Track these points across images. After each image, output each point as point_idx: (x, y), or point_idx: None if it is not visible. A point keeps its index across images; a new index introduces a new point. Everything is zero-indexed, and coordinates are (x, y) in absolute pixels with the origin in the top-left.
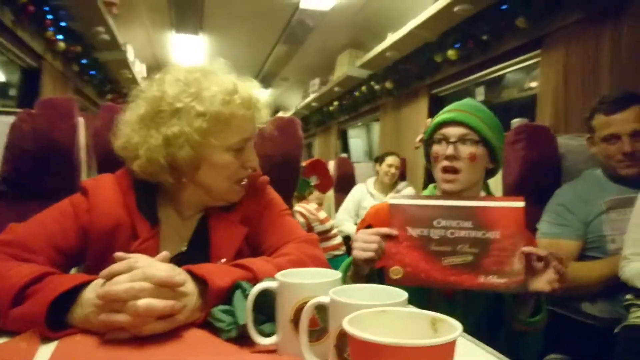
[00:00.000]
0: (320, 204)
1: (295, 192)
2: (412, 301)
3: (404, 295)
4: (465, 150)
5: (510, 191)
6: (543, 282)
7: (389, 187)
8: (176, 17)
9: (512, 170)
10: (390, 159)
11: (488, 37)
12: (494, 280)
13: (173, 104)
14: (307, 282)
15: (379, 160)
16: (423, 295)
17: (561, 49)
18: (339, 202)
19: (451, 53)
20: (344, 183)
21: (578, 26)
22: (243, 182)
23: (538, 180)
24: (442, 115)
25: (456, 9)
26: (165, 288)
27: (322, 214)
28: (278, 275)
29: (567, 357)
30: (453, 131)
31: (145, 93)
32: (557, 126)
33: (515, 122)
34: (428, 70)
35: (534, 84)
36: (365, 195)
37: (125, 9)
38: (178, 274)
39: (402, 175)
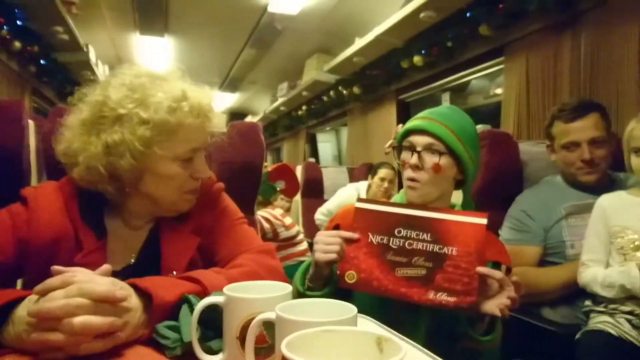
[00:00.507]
0: (287, 210)
1: (260, 198)
2: (376, 309)
3: (353, 311)
4: (430, 160)
5: (473, 197)
6: (494, 306)
7: (381, 199)
8: (140, 18)
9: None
10: (382, 172)
11: (453, 44)
12: (443, 297)
13: (116, 110)
14: (254, 297)
15: (372, 172)
16: (388, 305)
17: (523, 57)
18: (306, 208)
19: (417, 59)
20: (312, 188)
21: (538, 35)
22: (194, 192)
23: (501, 186)
24: (411, 122)
25: (422, 15)
26: (105, 304)
27: (288, 220)
28: (225, 289)
29: None
30: (420, 140)
31: (88, 97)
32: (520, 132)
33: (478, 128)
34: (395, 76)
35: (499, 91)
36: (355, 200)
37: (86, 9)
38: (120, 288)
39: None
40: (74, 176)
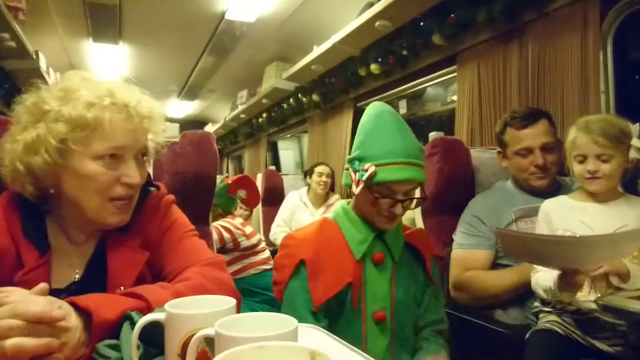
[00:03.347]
0: (247, 218)
1: (220, 210)
2: (340, 325)
3: (293, 324)
4: (409, 203)
5: (428, 203)
6: None
7: (322, 198)
8: (92, 25)
9: (429, 183)
10: (320, 168)
11: (408, 52)
12: None
13: (41, 108)
14: (194, 313)
15: (309, 172)
16: (352, 320)
17: (474, 65)
18: (267, 216)
19: (374, 67)
20: (273, 196)
21: (488, 44)
22: (123, 202)
23: (453, 192)
24: (390, 171)
25: (377, 24)
26: (41, 324)
27: (249, 229)
28: (167, 305)
29: None
30: (402, 188)
31: (26, 101)
32: (473, 139)
33: (432, 135)
34: (353, 84)
35: (455, 97)
36: (299, 205)
37: (34, 15)
38: (58, 307)
39: (332, 187)
40: (2, 177)
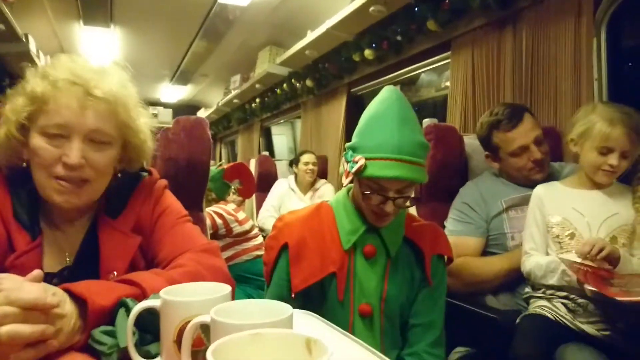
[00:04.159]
0: (240, 204)
1: (214, 195)
2: (325, 317)
3: (288, 311)
4: (402, 202)
5: (421, 190)
6: None
7: (310, 183)
8: (83, 7)
9: None
10: (306, 157)
11: (402, 38)
12: None
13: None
14: (190, 300)
15: (295, 161)
16: (337, 312)
17: (468, 52)
18: (260, 202)
19: (368, 53)
20: (266, 181)
21: (482, 31)
22: (66, 183)
23: (446, 178)
24: (379, 167)
25: (371, 9)
26: (35, 311)
27: (241, 215)
28: (162, 292)
29: (472, 350)
30: (393, 186)
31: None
32: (466, 125)
33: (425, 122)
34: (347, 70)
35: (449, 84)
36: (287, 191)
37: None
38: (52, 294)
39: (320, 173)
40: None
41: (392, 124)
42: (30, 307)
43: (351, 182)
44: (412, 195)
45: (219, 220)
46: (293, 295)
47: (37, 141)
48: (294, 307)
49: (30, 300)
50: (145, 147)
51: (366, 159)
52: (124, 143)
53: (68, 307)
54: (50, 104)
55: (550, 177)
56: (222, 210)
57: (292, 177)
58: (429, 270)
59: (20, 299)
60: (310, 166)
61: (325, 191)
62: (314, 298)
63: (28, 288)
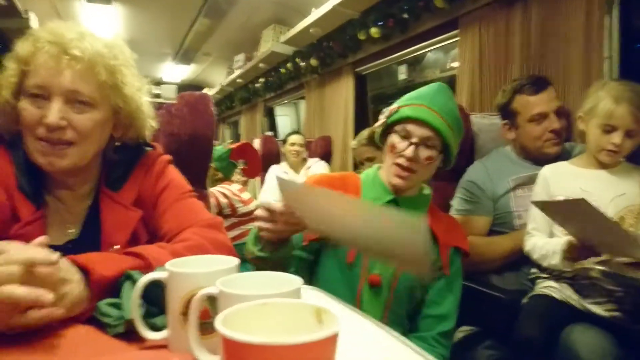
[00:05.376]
0: (244, 184)
1: (220, 174)
2: (334, 281)
3: (297, 283)
4: (425, 153)
5: None
6: None
7: (299, 164)
8: None
9: None
10: (292, 138)
11: (409, 15)
12: None
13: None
14: (196, 272)
15: (283, 142)
16: (348, 278)
17: (476, 30)
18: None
19: (374, 31)
20: (270, 161)
21: (491, 8)
22: (47, 144)
23: None
24: (410, 110)
25: None
26: (37, 276)
27: (246, 195)
28: (168, 264)
29: (477, 329)
30: (418, 132)
31: None
32: (474, 104)
33: None
34: (352, 48)
35: (455, 64)
36: (282, 174)
37: None
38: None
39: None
40: None
41: (430, 89)
42: (31, 264)
43: (381, 135)
44: (436, 161)
45: (223, 200)
46: (306, 243)
47: (22, 103)
48: (304, 258)
49: (30, 256)
50: (139, 115)
51: (399, 107)
52: (115, 109)
53: (74, 273)
54: (31, 65)
55: (561, 157)
56: (227, 190)
57: (283, 163)
58: (445, 259)
59: (21, 257)
60: (296, 147)
61: (318, 169)
62: (325, 256)
63: (33, 250)
